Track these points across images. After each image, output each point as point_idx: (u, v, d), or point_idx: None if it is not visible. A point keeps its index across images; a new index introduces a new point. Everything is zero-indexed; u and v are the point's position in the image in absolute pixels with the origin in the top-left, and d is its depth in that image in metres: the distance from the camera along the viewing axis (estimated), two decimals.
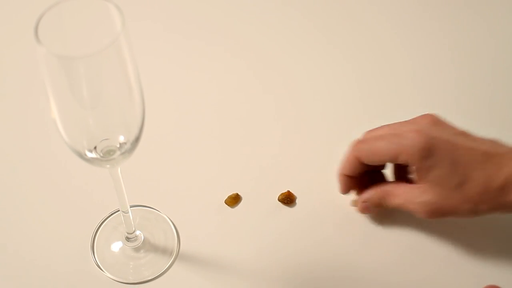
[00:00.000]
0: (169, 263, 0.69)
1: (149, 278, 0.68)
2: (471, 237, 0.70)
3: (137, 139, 0.56)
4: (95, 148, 0.56)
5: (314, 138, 0.79)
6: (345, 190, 0.71)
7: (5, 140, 0.79)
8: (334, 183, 0.73)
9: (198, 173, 0.76)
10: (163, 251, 0.70)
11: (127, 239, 0.70)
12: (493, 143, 0.65)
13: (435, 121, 0.66)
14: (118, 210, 0.70)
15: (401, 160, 0.64)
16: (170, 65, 0.87)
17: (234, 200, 0.73)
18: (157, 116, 0.78)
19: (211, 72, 0.86)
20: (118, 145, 0.57)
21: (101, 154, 0.57)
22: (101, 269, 0.69)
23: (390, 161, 0.67)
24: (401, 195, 0.67)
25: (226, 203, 0.73)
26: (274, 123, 0.81)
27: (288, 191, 0.74)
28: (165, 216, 0.73)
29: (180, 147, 0.79)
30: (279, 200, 0.73)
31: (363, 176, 0.70)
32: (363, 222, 0.72)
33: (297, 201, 0.74)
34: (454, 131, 0.66)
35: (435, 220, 0.67)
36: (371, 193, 0.69)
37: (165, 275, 0.69)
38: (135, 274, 0.69)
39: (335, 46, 0.89)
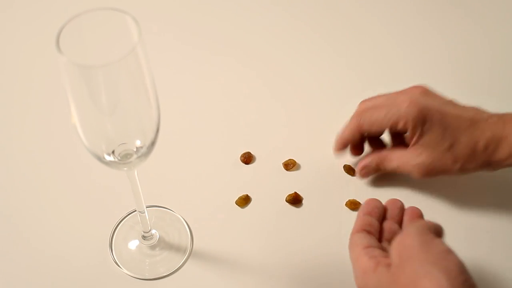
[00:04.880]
0: (183, 260, 0.71)
1: (164, 274, 0.70)
2: (475, 238, 0.72)
3: (152, 143, 0.58)
4: (113, 152, 0.58)
5: (319, 142, 0.80)
6: (340, 151, 0.76)
7: (31, 144, 0.81)
8: (338, 184, 0.75)
9: (210, 176, 0.78)
10: (177, 249, 0.72)
11: (143, 237, 0.72)
12: (476, 110, 0.71)
13: (425, 91, 0.72)
14: (135, 210, 0.71)
15: (399, 128, 0.70)
16: (184, 73, 0.89)
17: (244, 201, 0.75)
18: (172, 122, 0.78)
19: (222, 79, 0.88)
20: (135, 149, 0.58)
21: (119, 158, 0.58)
22: (118, 265, 0.71)
23: (389, 129, 0.72)
24: (397, 159, 0.73)
25: (236, 204, 0.75)
26: (281, 128, 0.82)
27: (295, 193, 0.75)
28: (179, 216, 0.75)
29: (193, 151, 0.80)
30: (286, 201, 0.75)
31: (359, 143, 0.76)
32: None
33: (303, 202, 0.75)
34: (443, 100, 0.72)
35: (439, 218, 0.66)
36: (369, 159, 0.75)
37: (179, 271, 0.70)
38: (150, 270, 0.70)
39: (332, 38, 0.92)
